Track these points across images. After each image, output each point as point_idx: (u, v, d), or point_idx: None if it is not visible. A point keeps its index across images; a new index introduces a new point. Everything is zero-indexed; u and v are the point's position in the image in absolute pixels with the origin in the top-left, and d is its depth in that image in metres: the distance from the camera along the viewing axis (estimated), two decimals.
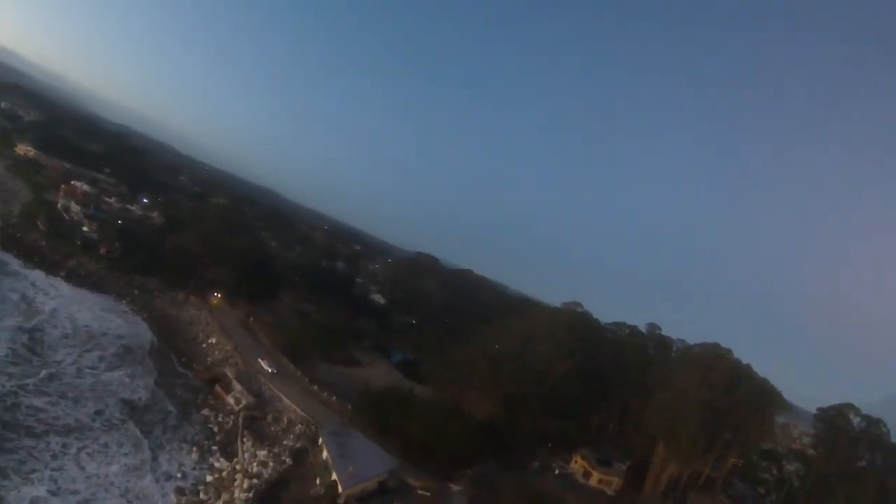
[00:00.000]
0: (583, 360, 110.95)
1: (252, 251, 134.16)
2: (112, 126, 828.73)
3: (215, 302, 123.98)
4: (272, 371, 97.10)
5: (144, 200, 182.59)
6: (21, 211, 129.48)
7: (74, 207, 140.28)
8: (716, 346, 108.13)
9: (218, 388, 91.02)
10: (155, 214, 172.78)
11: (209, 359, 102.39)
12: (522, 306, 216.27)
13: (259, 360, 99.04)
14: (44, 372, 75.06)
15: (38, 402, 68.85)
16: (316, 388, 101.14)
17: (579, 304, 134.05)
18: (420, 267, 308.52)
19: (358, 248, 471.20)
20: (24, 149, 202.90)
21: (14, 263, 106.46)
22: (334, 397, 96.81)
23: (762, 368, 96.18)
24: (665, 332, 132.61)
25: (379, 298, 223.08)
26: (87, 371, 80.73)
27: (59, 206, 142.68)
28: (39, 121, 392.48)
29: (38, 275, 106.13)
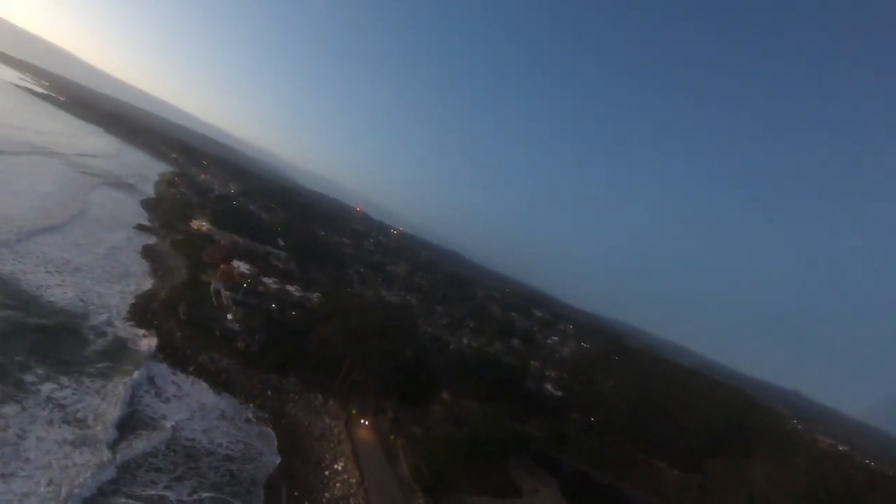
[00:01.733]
0: None
1: (406, 352, 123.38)
2: (310, 194, 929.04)
3: (355, 411, 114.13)
4: None
5: (317, 292, 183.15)
6: (167, 294, 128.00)
7: (225, 292, 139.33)
8: None
9: None
10: (315, 296, 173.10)
11: (327, 494, 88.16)
12: (733, 408, 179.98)
13: None
14: None
15: None
16: None
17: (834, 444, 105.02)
18: (606, 350, 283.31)
19: (539, 314, 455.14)
20: (198, 224, 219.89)
21: (145, 351, 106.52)
22: None
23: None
24: None
25: (553, 388, 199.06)
26: None
27: (212, 289, 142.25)
28: (229, 193, 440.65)
29: (161, 369, 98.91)
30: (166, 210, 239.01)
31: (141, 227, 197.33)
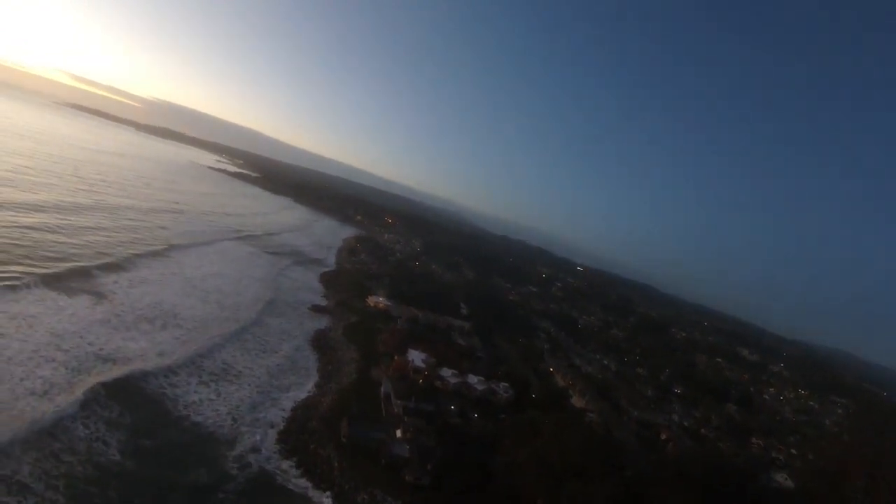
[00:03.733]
0: None
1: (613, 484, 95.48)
2: (492, 238, 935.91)
3: None
4: None
5: (504, 381, 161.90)
6: (329, 405, 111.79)
7: (396, 400, 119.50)
8: None
9: None
10: (502, 387, 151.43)
11: None
12: None
13: None
14: None
15: None
16: None
17: None
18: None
19: (745, 353, 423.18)
20: (374, 300, 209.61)
21: (294, 489, 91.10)
22: None
23: None
24: None
25: (782, 478, 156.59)
26: None
27: (381, 393, 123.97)
28: (412, 252, 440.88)
29: None
30: (344, 285, 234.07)
31: (316, 309, 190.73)
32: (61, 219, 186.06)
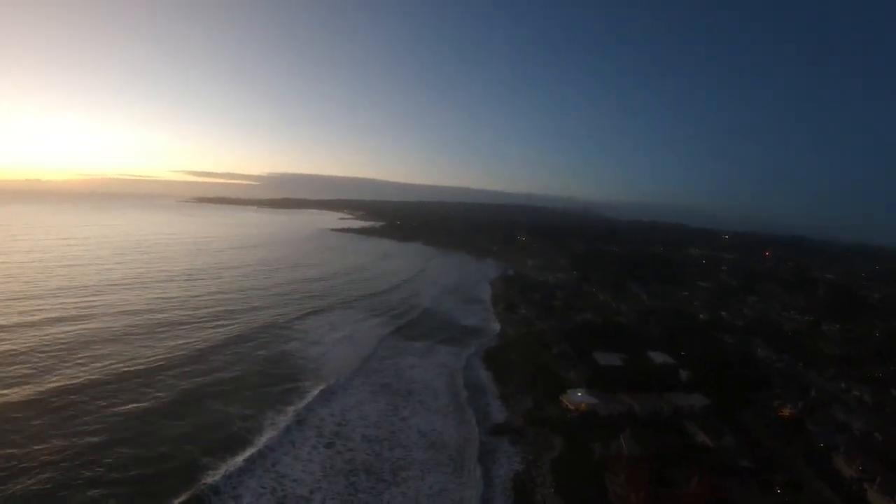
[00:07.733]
0: None
1: None
2: (628, 228, 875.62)
3: None
4: None
5: None
6: None
7: None
8: None
9: None
10: None
11: None
12: None
13: None
14: None
15: None
16: None
17: None
18: None
19: None
20: (573, 401, 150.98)
21: None
22: None
23: None
24: None
25: None
26: None
27: None
28: (565, 283, 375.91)
29: None
30: (518, 369, 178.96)
31: (497, 431, 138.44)
32: (155, 393, 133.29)
